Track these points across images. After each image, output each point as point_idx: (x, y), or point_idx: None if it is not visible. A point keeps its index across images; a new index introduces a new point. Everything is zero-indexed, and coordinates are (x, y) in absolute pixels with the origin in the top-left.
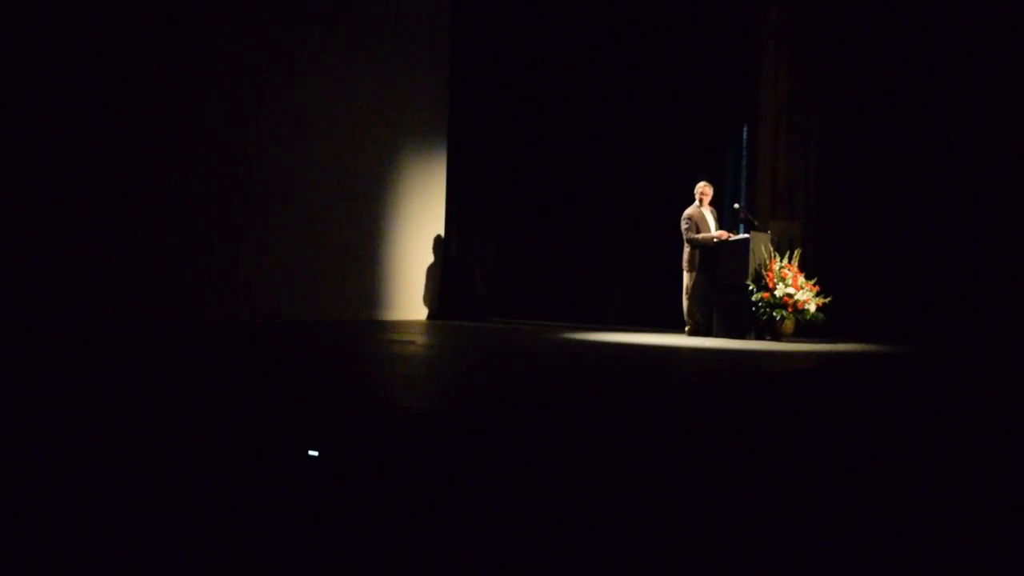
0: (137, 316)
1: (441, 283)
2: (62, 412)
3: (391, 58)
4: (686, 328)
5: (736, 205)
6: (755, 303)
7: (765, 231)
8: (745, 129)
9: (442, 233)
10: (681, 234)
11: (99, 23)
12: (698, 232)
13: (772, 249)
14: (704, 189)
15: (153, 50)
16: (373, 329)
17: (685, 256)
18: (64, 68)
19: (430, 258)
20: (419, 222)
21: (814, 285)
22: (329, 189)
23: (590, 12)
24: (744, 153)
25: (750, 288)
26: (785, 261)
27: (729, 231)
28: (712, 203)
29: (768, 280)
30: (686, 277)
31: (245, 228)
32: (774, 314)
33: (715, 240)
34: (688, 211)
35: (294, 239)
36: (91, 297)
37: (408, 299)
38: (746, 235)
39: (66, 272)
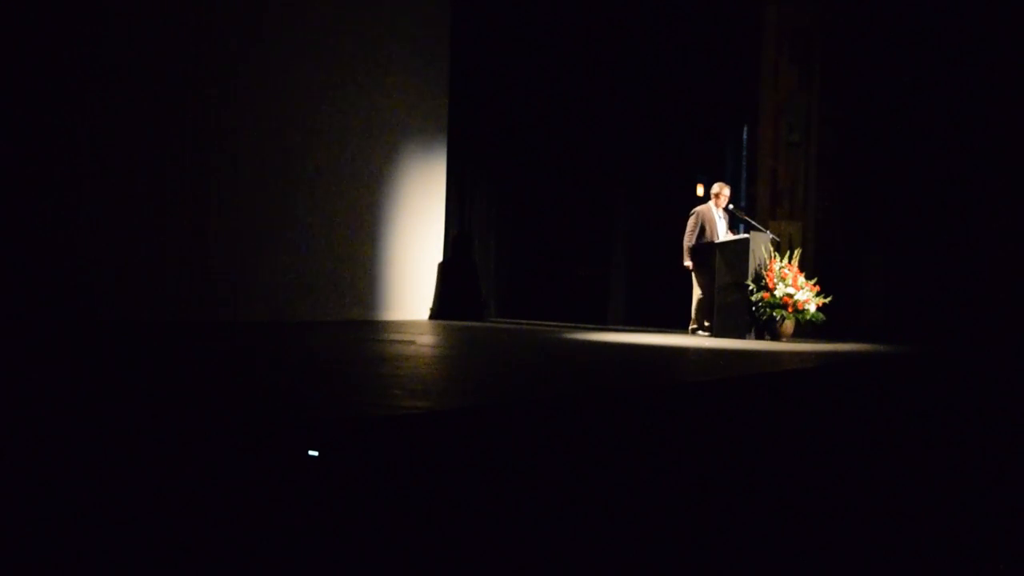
0: (136, 316)
1: (441, 283)
2: (60, 413)
3: (391, 58)
4: (691, 327)
5: (731, 207)
6: (755, 303)
7: (765, 231)
8: (745, 129)
9: (442, 233)
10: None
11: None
12: (703, 232)
13: (772, 249)
14: (721, 191)
15: (155, 48)
16: (373, 329)
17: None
18: (48, 62)
19: (430, 258)
20: (419, 222)
21: (814, 285)
22: (329, 189)
23: (590, 12)
24: (744, 153)
25: (750, 288)
26: (785, 261)
27: (731, 230)
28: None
29: (768, 280)
30: (695, 276)
31: (244, 228)
32: (774, 314)
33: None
34: (698, 208)
35: (293, 239)
36: (91, 297)
37: (408, 299)
38: (746, 235)
39: (66, 271)
